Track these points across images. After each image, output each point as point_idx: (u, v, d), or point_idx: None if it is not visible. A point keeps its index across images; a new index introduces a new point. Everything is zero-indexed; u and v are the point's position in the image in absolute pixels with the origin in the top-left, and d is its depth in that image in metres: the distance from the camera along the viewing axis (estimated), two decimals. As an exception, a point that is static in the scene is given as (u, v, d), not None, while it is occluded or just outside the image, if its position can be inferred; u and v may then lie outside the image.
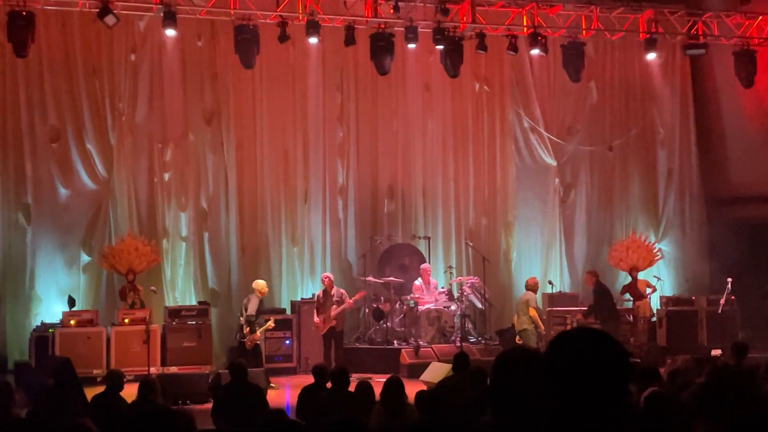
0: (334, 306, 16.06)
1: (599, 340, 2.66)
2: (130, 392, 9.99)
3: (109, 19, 15.66)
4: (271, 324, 15.99)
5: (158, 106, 18.07)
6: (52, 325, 16.05)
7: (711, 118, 21.28)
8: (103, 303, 17.35)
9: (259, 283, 16.32)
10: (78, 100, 17.51)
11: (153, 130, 18.04)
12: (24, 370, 14.65)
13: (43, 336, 15.80)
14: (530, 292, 16.46)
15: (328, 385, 9.76)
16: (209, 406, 10.93)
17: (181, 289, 17.88)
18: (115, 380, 9.86)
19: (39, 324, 16.30)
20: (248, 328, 15.68)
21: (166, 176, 18.08)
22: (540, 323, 16.21)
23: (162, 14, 16.16)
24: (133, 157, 17.84)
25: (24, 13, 15.44)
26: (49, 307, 16.93)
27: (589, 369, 2.59)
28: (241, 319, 16.02)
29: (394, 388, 8.46)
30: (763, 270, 19.27)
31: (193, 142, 18.26)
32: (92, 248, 17.52)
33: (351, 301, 16.49)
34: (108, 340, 16.06)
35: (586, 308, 17.19)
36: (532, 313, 16.07)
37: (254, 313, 15.77)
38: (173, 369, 15.58)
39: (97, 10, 15.70)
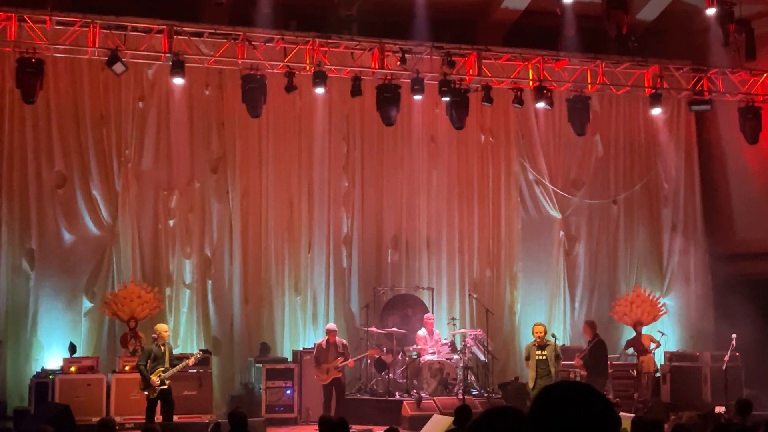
0: (340, 358, 15.97)
1: (584, 393, 2.67)
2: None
3: (118, 68, 15.78)
4: (190, 362, 14.44)
5: (164, 154, 18.15)
6: (53, 372, 15.96)
7: (716, 174, 21.32)
8: (104, 350, 17.28)
9: (157, 328, 14.44)
10: (85, 146, 17.61)
11: (159, 177, 18.10)
12: (23, 417, 14.57)
13: (43, 382, 15.69)
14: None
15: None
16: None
17: (183, 337, 17.81)
18: (106, 428, 9.76)
19: (39, 370, 16.20)
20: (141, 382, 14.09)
21: (171, 223, 18.11)
22: (530, 376, 15.75)
23: (170, 63, 16.29)
24: (138, 204, 17.88)
25: (33, 60, 15.58)
26: (50, 353, 16.88)
27: (574, 422, 2.60)
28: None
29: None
30: (768, 326, 19.18)
31: (198, 190, 18.30)
32: (95, 294, 17.49)
33: (365, 356, 16.71)
34: (108, 387, 15.94)
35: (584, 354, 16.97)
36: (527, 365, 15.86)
37: (143, 363, 14.03)
38: (173, 417, 15.42)
39: (106, 58, 15.84)
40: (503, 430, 3.05)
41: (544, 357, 15.41)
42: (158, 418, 14.01)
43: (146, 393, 14.03)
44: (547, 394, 2.72)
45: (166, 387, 14.10)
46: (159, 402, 14.11)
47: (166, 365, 14.06)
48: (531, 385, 15.61)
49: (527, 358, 15.70)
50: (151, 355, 14.08)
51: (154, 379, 13.89)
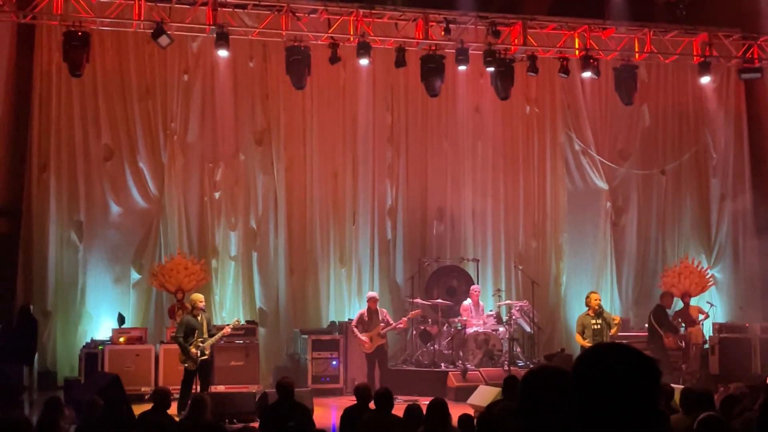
0: (382, 324, 16.02)
1: (624, 352, 2.70)
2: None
3: (163, 40, 15.84)
4: (227, 330, 14.62)
5: (210, 126, 18.21)
6: (102, 342, 16.17)
7: (765, 143, 20.98)
8: (152, 321, 17.46)
9: (193, 298, 14.54)
10: (131, 119, 17.71)
11: (204, 150, 18.18)
12: (73, 387, 14.77)
13: (92, 353, 15.91)
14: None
15: (372, 406, 9.65)
16: (256, 425, 10.91)
17: (229, 309, 17.92)
18: (162, 398, 9.88)
19: (89, 341, 16.43)
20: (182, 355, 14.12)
21: (217, 195, 18.20)
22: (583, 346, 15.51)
23: (215, 35, 16.30)
24: (184, 176, 17.98)
25: (80, 33, 15.67)
26: (99, 324, 17.09)
27: (615, 380, 2.64)
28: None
29: (438, 410, 8.32)
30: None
31: (243, 162, 18.36)
32: (142, 266, 17.65)
33: (405, 319, 16.49)
34: (156, 357, 16.13)
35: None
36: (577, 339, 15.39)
37: (180, 335, 14.02)
38: (220, 388, 15.57)
39: (152, 31, 15.90)
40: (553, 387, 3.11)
41: (599, 326, 15.07)
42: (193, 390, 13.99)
43: (186, 365, 14.06)
44: (588, 353, 2.76)
45: (206, 357, 14.17)
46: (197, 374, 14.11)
47: (205, 335, 14.10)
48: None
49: (581, 331, 15.14)
50: (188, 326, 14.10)
51: (193, 350, 13.97)
